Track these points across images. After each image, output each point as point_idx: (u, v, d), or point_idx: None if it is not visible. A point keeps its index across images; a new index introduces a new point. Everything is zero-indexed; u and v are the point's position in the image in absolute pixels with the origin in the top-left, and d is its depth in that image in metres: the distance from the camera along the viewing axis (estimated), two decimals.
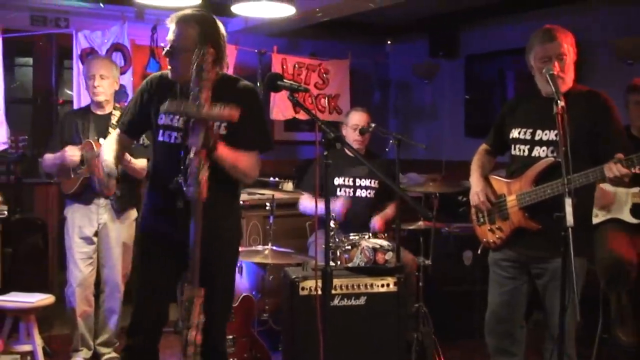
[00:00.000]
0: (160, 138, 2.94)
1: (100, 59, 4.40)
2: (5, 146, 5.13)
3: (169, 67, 2.92)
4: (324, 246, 3.54)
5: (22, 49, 6.27)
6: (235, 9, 4.37)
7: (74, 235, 4.23)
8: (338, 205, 4.49)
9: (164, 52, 2.96)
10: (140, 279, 3.07)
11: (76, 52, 5.39)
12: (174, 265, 2.99)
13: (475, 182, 3.47)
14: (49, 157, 4.21)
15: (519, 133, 3.29)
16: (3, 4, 5.80)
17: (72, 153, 4.06)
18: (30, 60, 6.66)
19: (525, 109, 3.33)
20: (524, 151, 3.26)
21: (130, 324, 3.07)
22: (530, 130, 3.24)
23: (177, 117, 2.90)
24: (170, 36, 2.89)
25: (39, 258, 5.25)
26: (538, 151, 3.21)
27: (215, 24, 2.96)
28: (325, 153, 2.72)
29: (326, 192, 2.81)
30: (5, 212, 4.67)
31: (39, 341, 4.22)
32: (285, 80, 2.87)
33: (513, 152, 3.33)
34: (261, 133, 3.11)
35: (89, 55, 5.20)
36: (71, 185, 4.18)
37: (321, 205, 2.90)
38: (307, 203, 4.74)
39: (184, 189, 2.72)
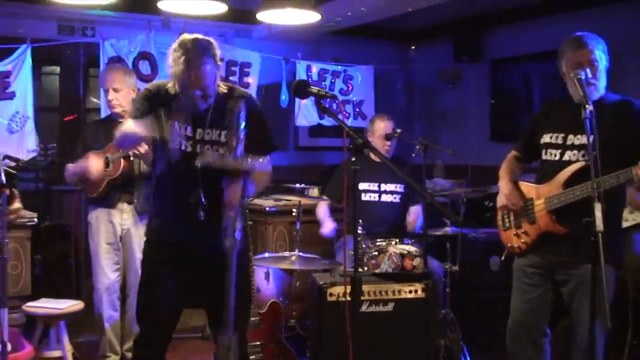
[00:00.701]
0: (171, 146, 2.95)
1: (112, 70, 4.33)
2: (35, 154, 5.21)
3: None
4: (351, 252, 3.55)
5: (48, 57, 6.34)
6: (261, 16, 4.38)
7: (100, 240, 4.23)
8: (328, 229, 4.60)
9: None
10: (150, 291, 3.07)
11: (103, 60, 5.44)
12: (184, 275, 3.02)
13: (503, 186, 3.45)
14: (71, 166, 4.18)
15: (551, 138, 3.26)
16: (31, 14, 5.89)
17: (96, 168, 4.00)
18: (56, 69, 6.75)
19: (557, 114, 3.31)
20: (555, 155, 3.24)
21: (138, 336, 3.11)
22: (562, 135, 3.22)
23: (187, 126, 2.95)
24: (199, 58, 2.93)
25: (67, 264, 5.30)
26: (569, 155, 3.18)
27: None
28: (354, 159, 2.73)
29: (353, 197, 2.81)
30: (35, 220, 4.72)
31: (68, 347, 4.25)
32: (312, 87, 2.88)
33: (544, 157, 3.31)
34: (269, 137, 3.17)
35: (115, 63, 5.24)
36: (96, 187, 4.15)
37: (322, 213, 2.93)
38: (322, 210, 4.77)
39: (203, 201, 2.84)
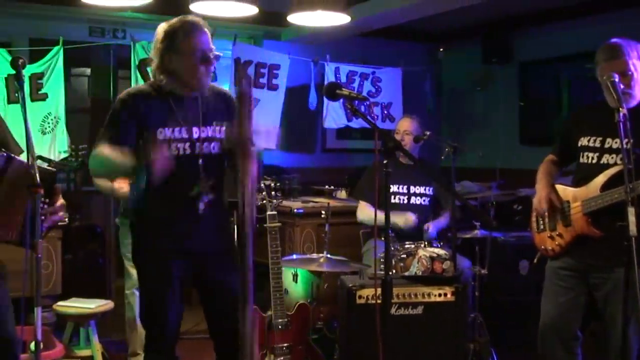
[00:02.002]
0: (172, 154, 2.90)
1: None
2: (66, 155, 5.27)
3: (204, 73, 2.94)
4: (374, 254, 3.55)
5: (79, 59, 6.42)
6: (291, 18, 4.39)
7: (129, 241, 4.25)
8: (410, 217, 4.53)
9: (212, 60, 2.96)
10: (155, 295, 3.02)
11: (134, 62, 5.49)
12: (183, 277, 3.01)
13: (540, 188, 3.42)
14: (99, 182, 4.16)
15: (589, 141, 3.23)
16: (62, 16, 5.96)
17: (122, 191, 3.91)
18: (85, 70, 6.83)
19: (594, 118, 3.28)
20: (592, 159, 3.21)
21: (148, 342, 3.09)
22: (600, 138, 3.19)
23: (181, 128, 2.91)
24: (211, 44, 2.95)
25: (97, 264, 5.35)
26: (607, 158, 3.15)
27: None
28: (385, 161, 2.72)
29: (387, 200, 2.80)
30: (66, 220, 4.76)
31: (98, 346, 4.30)
32: (343, 89, 2.88)
33: (581, 160, 3.28)
34: None
35: (147, 66, 5.28)
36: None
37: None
38: (367, 212, 4.74)
39: (204, 195, 2.85)
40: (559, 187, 3.40)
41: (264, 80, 5.92)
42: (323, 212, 4.45)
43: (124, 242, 4.30)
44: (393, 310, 3.66)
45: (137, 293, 4.29)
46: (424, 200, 4.77)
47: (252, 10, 4.10)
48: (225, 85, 5.42)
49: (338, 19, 4.40)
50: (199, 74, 2.93)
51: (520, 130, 7.10)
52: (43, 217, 2.81)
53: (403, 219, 4.51)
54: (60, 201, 2.91)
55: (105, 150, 2.86)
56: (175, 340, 3.08)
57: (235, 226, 3.49)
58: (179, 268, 2.98)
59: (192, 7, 4.03)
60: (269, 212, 3.99)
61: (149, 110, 2.91)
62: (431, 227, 4.55)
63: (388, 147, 2.70)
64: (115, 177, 3.55)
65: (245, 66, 5.90)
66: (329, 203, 4.56)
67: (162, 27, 2.96)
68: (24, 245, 2.79)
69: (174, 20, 2.95)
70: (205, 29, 2.95)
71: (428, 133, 4.70)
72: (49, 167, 2.93)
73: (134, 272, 4.26)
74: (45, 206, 2.78)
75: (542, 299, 3.46)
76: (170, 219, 2.95)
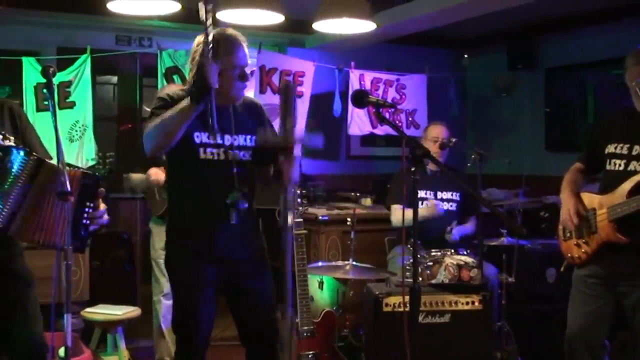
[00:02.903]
0: (203, 156, 2.94)
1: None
2: (94, 162, 5.32)
3: (240, 88, 2.99)
4: (402, 262, 3.53)
5: (105, 67, 6.48)
6: (317, 26, 4.40)
7: (160, 245, 4.17)
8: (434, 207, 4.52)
9: (249, 77, 2.99)
10: (186, 299, 3.03)
11: (160, 70, 5.53)
12: (216, 282, 3.01)
13: (566, 198, 3.39)
14: (134, 176, 4.26)
15: (615, 148, 3.21)
16: (90, 25, 6.02)
17: (157, 177, 4.10)
18: (110, 79, 6.89)
19: (622, 125, 3.25)
20: (619, 165, 3.18)
21: (179, 349, 3.10)
22: (628, 145, 3.16)
23: (217, 133, 2.92)
24: (247, 59, 2.99)
25: (124, 271, 5.39)
26: (635, 165, 3.12)
27: None
28: (413, 169, 2.71)
29: (414, 207, 2.79)
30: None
31: (125, 352, 4.33)
32: (371, 97, 2.89)
33: (608, 167, 3.25)
34: None
35: (174, 74, 5.33)
36: (160, 207, 4.22)
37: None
38: (400, 212, 4.72)
39: (240, 204, 2.83)
40: (584, 195, 3.37)
41: None
42: (349, 219, 4.45)
43: (155, 247, 4.32)
44: (420, 319, 3.65)
45: (163, 301, 4.33)
46: (451, 206, 4.75)
47: (278, 18, 4.12)
48: (250, 94, 5.43)
49: (364, 26, 4.41)
50: (236, 89, 2.98)
51: (546, 136, 7.04)
52: (88, 222, 2.85)
53: (426, 209, 4.49)
54: (102, 205, 2.95)
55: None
56: (206, 346, 3.09)
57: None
58: (211, 274, 2.99)
59: (219, 15, 4.06)
60: (295, 220, 3.99)
61: None
62: (454, 231, 4.53)
63: (416, 155, 2.69)
64: None
65: (270, 73, 5.92)
66: (354, 210, 4.54)
67: (199, 40, 3.00)
68: (58, 249, 2.83)
69: (215, 32, 2.96)
70: (244, 44, 2.99)
71: (454, 140, 4.69)
72: (88, 171, 2.94)
73: (162, 279, 4.29)
74: (90, 210, 2.81)
75: (569, 307, 3.43)
76: (203, 225, 2.97)
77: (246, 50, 3.00)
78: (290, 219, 2.46)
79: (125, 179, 4.28)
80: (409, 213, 4.59)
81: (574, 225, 3.30)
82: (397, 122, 6.42)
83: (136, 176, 4.28)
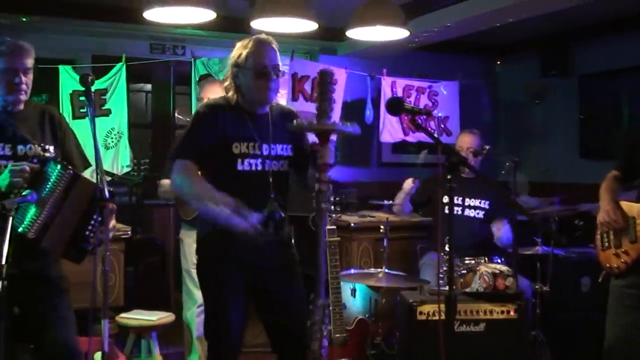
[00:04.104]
0: (240, 167, 2.94)
1: (214, 83, 4.44)
2: (129, 169, 5.38)
3: (267, 91, 2.97)
4: (437, 270, 3.50)
5: (140, 75, 6.55)
6: (350, 33, 4.41)
7: (193, 258, 4.20)
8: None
9: (270, 74, 2.97)
10: (218, 305, 3.03)
11: (194, 78, 5.58)
12: (247, 289, 3.02)
13: (605, 203, 3.34)
14: (166, 183, 4.22)
15: None
16: (124, 33, 6.10)
17: None
18: (144, 86, 6.97)
19: None
20: None
21: (210, 351, 3.07)
22: None
23: (254, 144, 2.96)
24: (275, 60, 2.98)
25: (157, 277, 5.43)
26: None
27: None
28: (449, 176, 2.70)
29: (450, 216, 2.78)
30: (129, 233, 4.86)
31: (159, 358, 4.35)
32: (406, 104, 2.88)
33: None
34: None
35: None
36: (190, 212, 4.14)
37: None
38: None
39: (277, 215, 2.87)
40: (623, 203, 3.33)
41: None
42: (382, 226, 4.44)
43: (187, 257, 4.21)
44: (455, 327, 3.62)
45: (198, 312, 4.24)
46: (477, 213, 4.71)
47: (311, 26, 4.14)
48: (282, 101, 5.46)
49: (397, 33, 4.41)
50: (258, 88, 2.96)
51: (580, 143, 6.96)
52: (92, 234, 2.88)
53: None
54: (113, 222, 2.98)
55: (194, 181, 2.93)
56: (238, 352, 3.10)
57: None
58: (241, 280, 2.99)
59: (254, 24, 4.10)
60: (328, 227, 3.99)
61: (226, 124, 2.96)
62: (503, 235, 4.49)
63: (452, 162, 2.68)
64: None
65: (302, 81, 5.95)
66: (387, 218, 4.53)
67: (236, 46, 3.05)
68: (69, 258, 2.87)
69: (247, 39, 3.00)
70: (272, 46, 3.00)
71: (487, 147, 4.67)
72: (99, 184, 2.96)
73: (197, 291, 4.16)
74: (96, 223, 2.83)
75: (607, 318, 3.38)
76: (237, 233, 2.97)
77: (275, 52, 3.00)
78: (325, 206, 2.46)
79: (159, 185, 4.26)
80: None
81: (616, 221, 3.25)
82: (429, 129, 6.39)
83: (167, 182, 4.25)
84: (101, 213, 2.81)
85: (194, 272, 4.12)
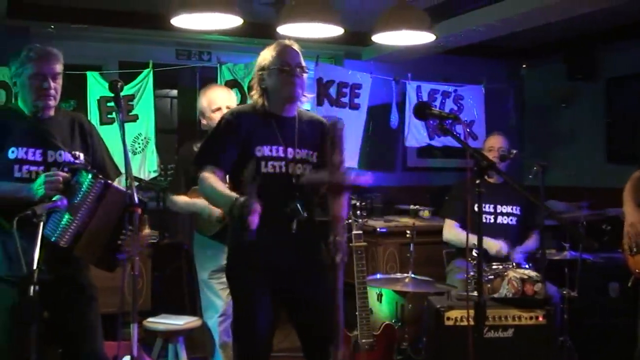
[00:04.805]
0: (265, 170, 2.97)
1: (221, 89, 4.40)
2: (156, 174, 5.42)
3: (292, 86, 3.00)
4: (466, 275, 3.48)
5: (166, 81, 6.58)
6: (376, 38, 4.41)
7: (210, 267, 4.06)
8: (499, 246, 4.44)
9: (293, 68, 3.01)
10: (246, 311, 3.03)
11: (220, 84, 5.60)
12: (275, 292, 3.02)
13: (630, 212, 3.31)
14: (179, 200, 4.01)
15: None
16: (151, 40, 6.15)
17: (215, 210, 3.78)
18: (170, 92, 7.01)
19: None
20: None
21: (238, 353, 3.08)
22: None
23: (278, 147, 2.99)
24: (297, 58, 3.04)
25: (184, 282, 5.45)
26: None
27: None
28: (478, 181, 2.69)
29: (479, 221, 2.77)
30: (157, 238, 4.89)
31: None
32: (434, 109, 2.89)
33: None
34: None
35: (233, 87, 5.38)
36: (211, 229, 3.97)
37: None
38: (454, 231, 4.69)
39: (300, 214, 2.87)
40: None
41: (345, 100, 5.96)
42: (408, 231, 4.44)
43: (206, 268, 4.09)
44: (483, 333, 3.59)
45: (220, 321, 4.20)
46: (510, 220, 4.69)
47: (338, 31, 4.15)
48: (307, 105, 5.46)
49: (423, 37, 4.40)
50: (283, 84, 3.00)
51: (607, 148, 6.89)
52: (123, 243, 2.88)
53: (495, 249, 4.42)
54: (146, 231, 3.01)
55: (216, 185, 2.94)
56: (268, 355, 3.10)
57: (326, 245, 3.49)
58: (270, 283, 3.00)
59: (280, 29, 4.11)
60: (354, 232, 3.99)
61: (251, 129, 3.01)
62: (519, 255, 4.47)
63: (482, 167, 2.67)
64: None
65: (327, 86, 5.95)
66: (414, 223, 4.53)
67: (260, 54, 3.11)
68: (102, 267, 2.90)
69: (271, 45, 3.08)
70: (294, 47, 3.08)
71: (514, 151, 4.64)
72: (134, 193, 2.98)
73: (218, 300, 4.05)
74: (128, 232, 2.82)
75: (639, 323, 3.35)
76: (263, 235, 2.98)
77: (298, 53, 3.07)
78: (339, 259, 2.43)
79: (169, 201, 4.07)
80: (462, 235, 4.60)
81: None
82: (455, 133, 6.36)
83: (181, 200, 4.00)
84: (131, 219, 2.78)
85: (211, 281, 4.06)
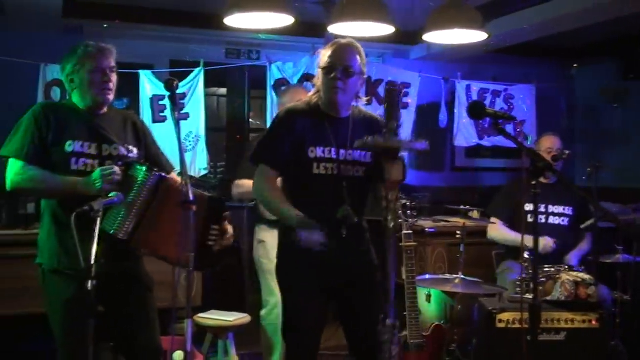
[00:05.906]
0: (316, 171, 2.95)
1: (296, 89, 4.47)
2: (206, 172, 5.48)
3: (334, 90, 2.95)
4: (517, 278, 3.43)
5: (215, 80, 6.64)
6: (427, 37, 4.38)
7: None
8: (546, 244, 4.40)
9: (348, 75, 2.96)
10: (295, 309, 3.03)
11: (269, 82, 5.64)
12: (322, 293, 3.01)
13: None
14: (244, 183, 4.08)
15: None
16: (201, 39, 6.22)
17: None
18: (217, 91, 7.07)
19: None
20: None
21: (288, 356, 3.11)
22: None
23: (331, 148, 2.96)
24: (347, 59, 2.97)
25: (234, 278, 5.49)
26: None
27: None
28: (534, 182, 2.66)
29: (535, 222, 2.73)
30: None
31: (235, 358, 4.41)
32: (488, 109, 2.86)
33: None
34: None
35: (282, 86, 5.41)
36: None
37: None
38: (500, 231, 4.65)
39: (350, 219, 2.84)
40: None
41: None
42: (458, 232, 4.40)
43: (271, 258, 3.91)
44: None
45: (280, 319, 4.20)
46: (562, 221, 4.62)
47: (389, 30, 4.13)
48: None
49: (475, 36, 4.36)
50: (327, 87, 2.97)
51: None
52: (213, 242, 2.99)
53: (541, 245, 4.36)
54: (230, 227, 3.06)
55: (273, 195, 3.00)
56: (316, 352, 3.11)
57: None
58: (321, 283, 3.00)
59: (330, 28, 4.11)
60: (404, 232, 3.98)
61: (304, 129, 2.98)
62: (573, 259, 4.41)
63: (538, 167, 2.64)
64: None
65: (375, 85, 5.94)
66: (464, 223, 4.47)
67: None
68: (180, 266, 2.92)
69: None
70: (348, 47, 3.01)
71: (567, 152, 4.58)
72: (213, 194, 3.06)
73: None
74: (216, 232, 2.96)
75: None
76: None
77: (353, 53, 3.01)
78: (393, 224, 2.43)
79: (235, 186, 4.15)
80: (508, 234, 4.56)
81: None
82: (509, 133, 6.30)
83: (248, 183, 3.89)
84: (217, 222, 3.00)
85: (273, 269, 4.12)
